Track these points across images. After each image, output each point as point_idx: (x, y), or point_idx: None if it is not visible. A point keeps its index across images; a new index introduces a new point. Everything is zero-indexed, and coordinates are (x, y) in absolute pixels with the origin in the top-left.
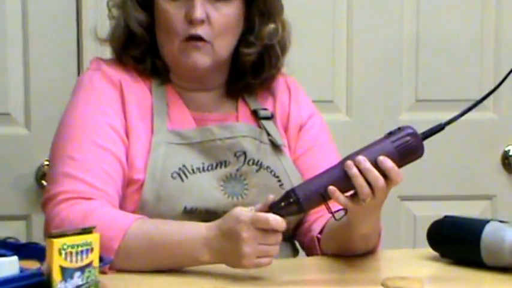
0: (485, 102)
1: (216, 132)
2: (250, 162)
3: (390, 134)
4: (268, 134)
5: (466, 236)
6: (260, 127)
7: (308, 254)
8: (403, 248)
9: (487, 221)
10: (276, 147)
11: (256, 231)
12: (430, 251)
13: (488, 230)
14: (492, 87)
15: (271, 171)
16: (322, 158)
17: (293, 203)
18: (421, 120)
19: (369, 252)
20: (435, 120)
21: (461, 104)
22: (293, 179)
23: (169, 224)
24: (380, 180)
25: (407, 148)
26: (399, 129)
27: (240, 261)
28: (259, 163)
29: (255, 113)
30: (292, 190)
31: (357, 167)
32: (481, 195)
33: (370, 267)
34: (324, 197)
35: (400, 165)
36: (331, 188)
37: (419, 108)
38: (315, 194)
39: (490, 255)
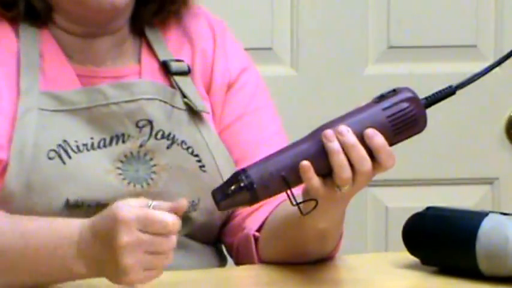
0: (482, 50)
1: (109, 93)
2: (159, 135)
3: (381, 97)
4: (184, 96)
5: (456, 234)
6: (172, 86)
7: (238, 262)
8: (370, 252)
9: (486, 214)
10: (194, 114)
11: (142, 235)
12: (407, 256)
13: (486, 225)
14: (494, 27)
15: (187, 148)
16: (259, 128)
17: (244, 189)
18: (395, 75)
19: (324, 259)
20: (414, 75)
21: (451, 52)
22: (218, 158)
23: (32, 221)
24: (366, 162)
25: (405, 119)
26: (394, 91)
27: (120, 276)
28: (171, 136)
29: (165, 67)
30: (243, 171)
31: (338, 140)
32: (477, 178)
33: (326, 278)
34: (287, 182)
35: (392, 143)
36: (305, 164)
37: (393, 57)
38: (275, 176)
39: (489, 261)
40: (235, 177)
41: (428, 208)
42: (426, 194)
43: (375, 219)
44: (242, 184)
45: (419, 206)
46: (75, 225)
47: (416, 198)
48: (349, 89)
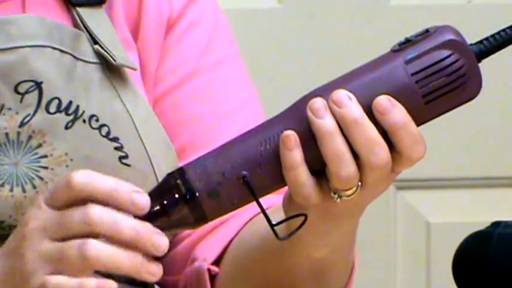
0: None
1: None
2: (53, 107)
3: (406, 43)
4: (95, 41)
5: None
6: (76, 25)
7: None
8: None
9: None
10: (112, 70)
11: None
12: None
13: None
14: None
15: (100, 127)
16: (218, 97)
17: (180, 201)
18: (432, 5)
19: None
20: (461, 8)
21: None
22: (151, 144)
23: None
24: (379, 148)
25: (443, 77)
26: (426, 32)
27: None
28: (72, 108)
29: None
30: (180, 171)
31: (333, 113)
32: None
33: None
34: (249, 186)
35: (421, 118)
36: (290, 134)
37: None
38: (231, 178)
39: None
40: (166, 182)
41: (495, 224)
42: (490, 201)
43: (408, 241)
44: (178, 193)
45: (479, 220)
46: None
47: (475, 207)
48: (363, 29)
